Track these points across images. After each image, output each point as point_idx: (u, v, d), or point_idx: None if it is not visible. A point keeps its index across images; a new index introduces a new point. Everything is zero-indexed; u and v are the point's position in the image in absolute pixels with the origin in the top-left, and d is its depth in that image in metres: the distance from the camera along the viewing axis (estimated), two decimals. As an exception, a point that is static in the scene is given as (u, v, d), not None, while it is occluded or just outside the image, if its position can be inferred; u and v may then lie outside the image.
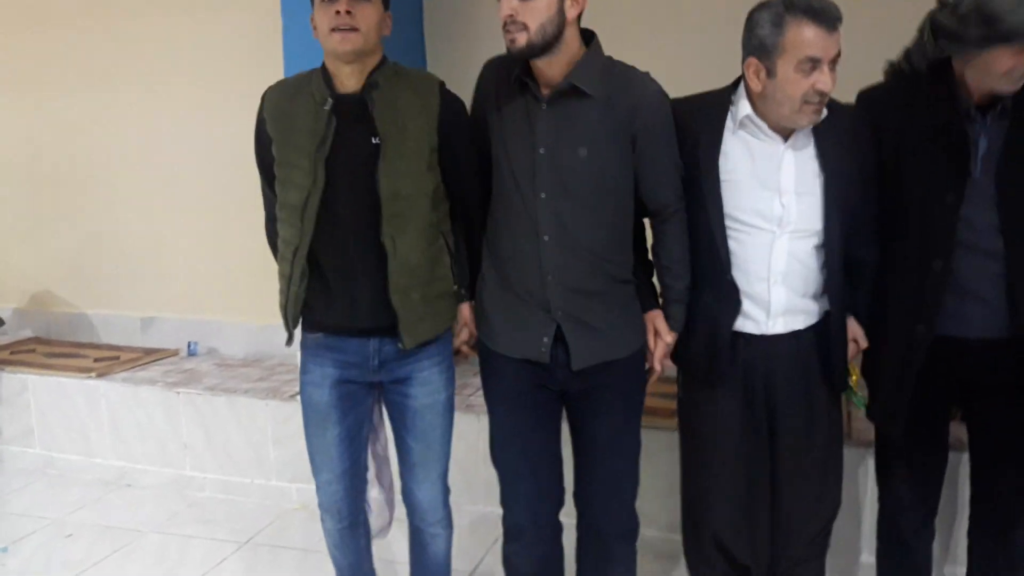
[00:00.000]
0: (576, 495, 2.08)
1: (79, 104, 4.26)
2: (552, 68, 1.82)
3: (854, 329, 2.06)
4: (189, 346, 4.05)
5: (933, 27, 1.85)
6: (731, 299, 1.95)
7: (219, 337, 4.06)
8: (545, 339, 1.93)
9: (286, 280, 2.01)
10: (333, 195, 1.92)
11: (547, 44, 1.77)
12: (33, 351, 4.14)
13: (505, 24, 1.76)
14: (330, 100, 1.90)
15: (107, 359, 3.95)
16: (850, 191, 1.91)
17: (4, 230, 4.56)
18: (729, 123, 1.93)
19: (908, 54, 1.98)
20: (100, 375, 3.75)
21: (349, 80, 1.92)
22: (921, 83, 1.93)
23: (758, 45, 1.81)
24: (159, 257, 4.15)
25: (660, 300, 2.05)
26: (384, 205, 1.90)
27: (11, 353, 4.03)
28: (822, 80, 1.77)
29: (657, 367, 2.03)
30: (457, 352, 2.15)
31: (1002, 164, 1.86)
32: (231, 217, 3.80)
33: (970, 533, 2.20)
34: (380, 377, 2.06)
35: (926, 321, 1.94)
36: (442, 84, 1.99)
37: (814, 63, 1.76)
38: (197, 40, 3.93)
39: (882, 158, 1.95)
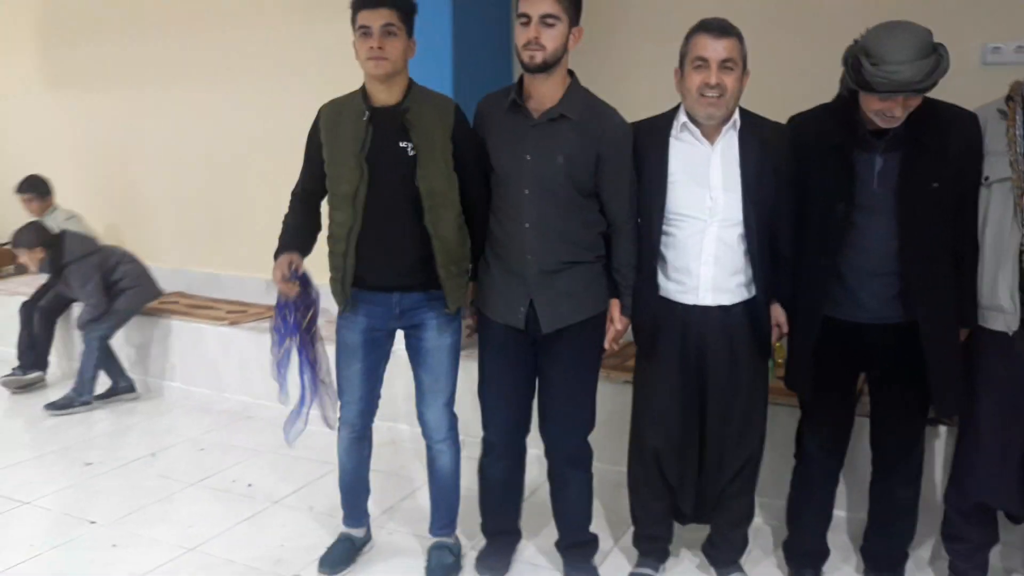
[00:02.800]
0: (539, 427, 2.58)
1: (214, 98, 4.92)
2: (547, 85, 2.30)
3: (777, 314, 2.44)
4: (305, 305, 4.63)
5: (845, 59, 2.19)
6: (652, 282, 2.41)
7: (328, 298, 4.61)
8: (521, 308, 2.42)
9: (341, 256, 2.50)
10: (376, 188, 2.41)
11: (554, 63, 2.27)
12: (177, 303, 4.87)
13: (528, 44, 2.24)
14: (367, 112, 2.40)
15: (237, 311, 4.63)
16: (765, 190, 2.30)
17: (158, 205, 5.32)
18: (674, 132, 2.36)
19: (842, 79, 2.31)
20: (232, 323, 4.42)
21: (382, 95, 2.42)
22: (837, 110, 2.29)
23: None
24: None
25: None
26: (424, 200, 2.41)
27: (159, 303, 4.74)
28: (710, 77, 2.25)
29: (607, 346, 2.50)
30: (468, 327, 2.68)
31: (901, 181, 2.20)
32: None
33: (870, 486, 2.57)
34: (401, 324, 2.58)
35: (817, 306, 2.31)
36: (457, 106, 2.48)
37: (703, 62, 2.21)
38: (309, 44, 4.51)
39: (801, 171, 2.32)
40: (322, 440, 3.80)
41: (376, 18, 2.32)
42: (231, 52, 4.86)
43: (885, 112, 2.14)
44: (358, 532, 2.89)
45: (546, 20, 2.25)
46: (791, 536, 2.71)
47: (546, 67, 2.29)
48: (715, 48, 2.24)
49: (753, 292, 2.40)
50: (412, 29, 2.42)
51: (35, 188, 5.13)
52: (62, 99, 5.71)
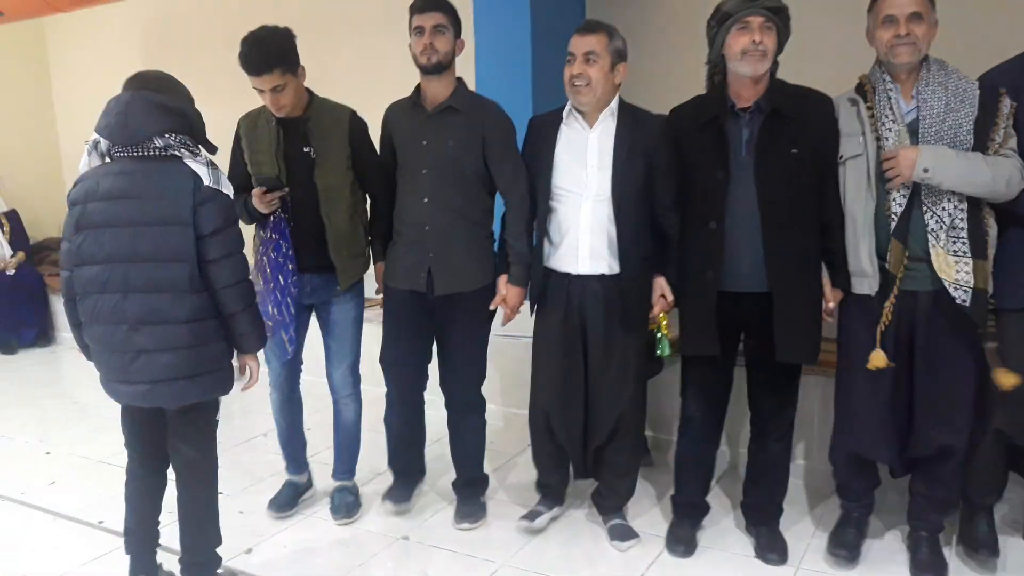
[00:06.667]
0: (439, 380, 2.92)
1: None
2: (439, 85, 2.70)
3: (662, 286, 2.63)
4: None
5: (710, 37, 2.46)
6: (540, 253, 2.71)
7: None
8: (422, 275, 2.76)
9: None
10: (289, 185, 2.82)
11: (447, 65, 2.71)
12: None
13: (424, 49, 2.65)
14: (274, 120, 2.80)
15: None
16: (633, 170, 2.55)
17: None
18: (564, 120, 2.65)
19: (707, 77, 2.56)
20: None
21: (287, 111, 2.80)
22: (709, 94, 2.53)
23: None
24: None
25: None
26: (320, 194, 2.81)
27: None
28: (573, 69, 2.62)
29: (504, 312, 2.81)
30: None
31: (760, 147, 2.39)
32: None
33: (749, 444, 2.75)
34: (312, 300, 2.97)
35: (713, 268, 2.48)
36: (352, 112, 2.88)
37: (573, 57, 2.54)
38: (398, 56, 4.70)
39: (680, 153, 2.54)
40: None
41: (264, 83, 2.73)
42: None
43: (751, 47, 2.35)
44: (300, 479, 3.30)
45: (439, 29, 2.69)
46: (676, 490, 2.90)
47: (440, 68, 2.70)
48: (579, 44, 2.58)
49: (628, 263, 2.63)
50: (294, 66, 2.77)
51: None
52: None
